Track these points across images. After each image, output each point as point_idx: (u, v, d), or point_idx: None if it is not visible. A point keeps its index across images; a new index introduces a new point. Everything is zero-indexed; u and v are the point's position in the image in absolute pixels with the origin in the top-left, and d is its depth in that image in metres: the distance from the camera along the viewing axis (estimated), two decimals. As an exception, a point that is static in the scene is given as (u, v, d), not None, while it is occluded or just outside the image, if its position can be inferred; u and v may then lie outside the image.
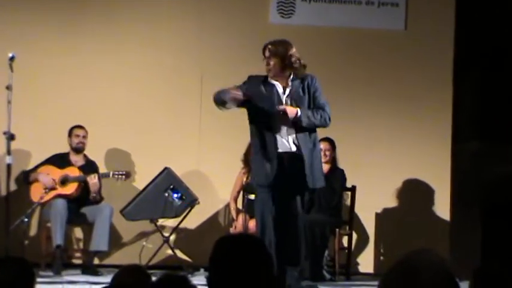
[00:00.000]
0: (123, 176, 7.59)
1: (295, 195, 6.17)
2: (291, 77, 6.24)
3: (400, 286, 1.93)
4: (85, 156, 7.83)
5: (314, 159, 6.24)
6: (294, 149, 6.19)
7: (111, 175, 7.61)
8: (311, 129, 6.23)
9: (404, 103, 8.43)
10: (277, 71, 6.21)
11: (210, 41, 8.28)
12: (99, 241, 7.48)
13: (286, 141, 6.19)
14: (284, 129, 6.18)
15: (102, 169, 7.88)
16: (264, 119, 6.17)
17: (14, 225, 7.01)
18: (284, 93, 6.23)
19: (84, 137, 7.79)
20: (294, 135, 6.19)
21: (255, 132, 6.21)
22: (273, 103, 6.16)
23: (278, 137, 6.18)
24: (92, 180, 7.55)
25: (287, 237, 6.11)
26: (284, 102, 6.20)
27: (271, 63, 6.20)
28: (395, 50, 8.48)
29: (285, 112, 6.10)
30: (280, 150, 6.17)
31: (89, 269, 7.53)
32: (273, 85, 6.23)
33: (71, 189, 7.57)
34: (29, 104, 7.76)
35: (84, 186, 7.61)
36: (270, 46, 6.24)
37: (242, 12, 8.32)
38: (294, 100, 6.20)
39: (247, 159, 7.45)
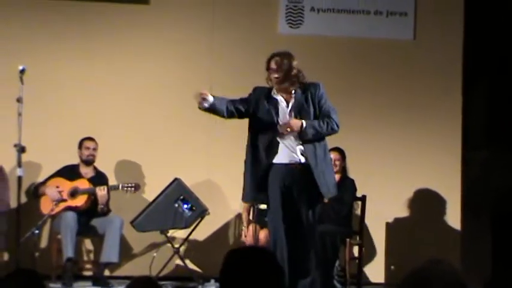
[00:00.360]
0: (132, 189, 7.60)
1: (308, 206, 6.13)
2: (294, 89, 6.20)
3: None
4: (95, 168, 7.85)
5: (326, 168, 6.19)
6: (303, 160, 6.15)
7: (120, 187, 7.61)
8: (320, 138, 6.19)
9: (414, 112, 8.42)
10: (282, 84, 6.17)
11: (220, 51, 8.30)
12: (110, 253, 7.48)
13: (295, 153, 6.15)
14: (292, 140, 6.14)
15: (113, 180, 7.90)
16: (263, 132, 6.15)
17: (24, 237, 7.02)
18: (288, 106, 6.19)
19: (95, 149, 7.81)
20: (302, 146, 6.15)
21: (252, 145, 6.17)
22: (273, 119, 6.13)
23: (286, 149, 6.13)
24: (101, 192, 7.55)
25: (299, 249, 6.09)
26: (288, 116, 6.16)
27: (276, 75, 6.16)
28: (405, 60, 8.48)
29: (289, 127, 6.08)
30: (289, 162, 6.13)
31: (99, 280, 7.53)
32: (276, 100, 6.20)
33: (80, 201, 7.58)
34: (39, 116, 7.77)
35: (93, 198, 7.62)
36: (277, 58, 6.18)
37: (252, 22, 8.33)
38: (299, 113, 6.14)
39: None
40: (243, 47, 8.28)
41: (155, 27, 8.24)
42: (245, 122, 6.35)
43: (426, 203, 8.40)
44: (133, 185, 7.59)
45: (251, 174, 6.17)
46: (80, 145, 7.82)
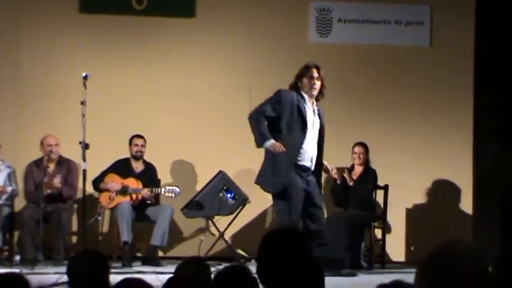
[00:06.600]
0: (173, 194, 7.58)
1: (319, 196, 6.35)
2: (316, 99, 6.27)
3: (439, 272, 1.92)
4: (144, 161, 7.85)
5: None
6: (314, 161, 6.36)
7: (162, 191, 7.62)
8: None
9: (430, 110, 8.38)
10: (317, 93, 6.20)
11: (258, 57, 8.30)
12: (160, 237, 7.51)
13: (312, 157, 6.34)
14: (312, 147, 6.28)
15: (166, 174, 7.95)
16: (296, 132, 6.17)
17: (89, 222, 7.09)
18: (314, 114, 6.25)
19: (143, 145, 7.79)
20: (316, 153, 6.35)
21: (285, 143, 6.21)
22: (305, 123, 6.15)
23: (307, 153, 6.27)
24: (146, 194, 7.58)
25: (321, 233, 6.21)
26: (313, 122, 6.24)
27: (318, 83, 6.15)
28: (422, 64, 8.43)
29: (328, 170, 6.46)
30: (308, 164, 6.30)
31: (150, 260, 7.53)
32: (306, 106, 6.24)
33: (129, 198, 7.62)
34: (100, 117, 7.80)
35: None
36: (320, 69, 6.22)
37: (286, 31, 8.31)
38: (321, 121, 6.32)
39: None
40: (278, 53, 8.27)
41: (201, 37, 8.25)
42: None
43: (442, 191, 8.35)
44: (172, 189, 7.57)
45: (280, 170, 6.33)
46: (130, 142, 7.81)
